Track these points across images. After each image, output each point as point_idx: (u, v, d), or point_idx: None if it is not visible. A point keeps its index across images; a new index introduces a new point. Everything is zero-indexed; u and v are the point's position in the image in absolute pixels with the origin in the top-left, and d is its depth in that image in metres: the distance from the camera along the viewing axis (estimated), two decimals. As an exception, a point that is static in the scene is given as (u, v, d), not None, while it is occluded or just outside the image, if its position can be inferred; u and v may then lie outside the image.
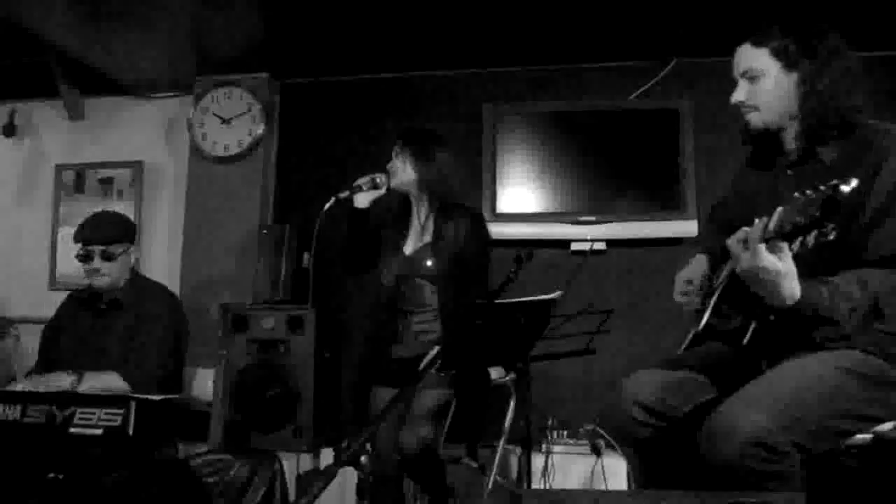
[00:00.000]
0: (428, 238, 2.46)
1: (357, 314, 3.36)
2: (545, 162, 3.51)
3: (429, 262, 2.41)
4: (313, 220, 2.49)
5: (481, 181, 3.52)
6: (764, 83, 1.65)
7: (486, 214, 3.27)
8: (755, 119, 1.71)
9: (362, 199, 2.45)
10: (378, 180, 2.46)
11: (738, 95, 1.70)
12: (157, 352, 2.57)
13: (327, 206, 2.40)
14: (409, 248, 2.49)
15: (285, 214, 3.75)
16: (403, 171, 2.44)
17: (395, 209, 2.54)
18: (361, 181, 2.45)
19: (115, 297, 2.70)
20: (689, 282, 1.80)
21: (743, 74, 1.69)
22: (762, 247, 1.39)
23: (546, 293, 2.06)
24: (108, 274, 2.67)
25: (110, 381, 2.46)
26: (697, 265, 1.84)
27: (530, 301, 2.03)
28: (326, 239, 2.54)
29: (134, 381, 2.50)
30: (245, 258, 3.64)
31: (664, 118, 3.42)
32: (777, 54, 1.63)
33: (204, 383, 2.96)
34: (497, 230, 3.03)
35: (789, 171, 1.68)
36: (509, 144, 3.55)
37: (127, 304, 2.69)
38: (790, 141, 1.70)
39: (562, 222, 3.44)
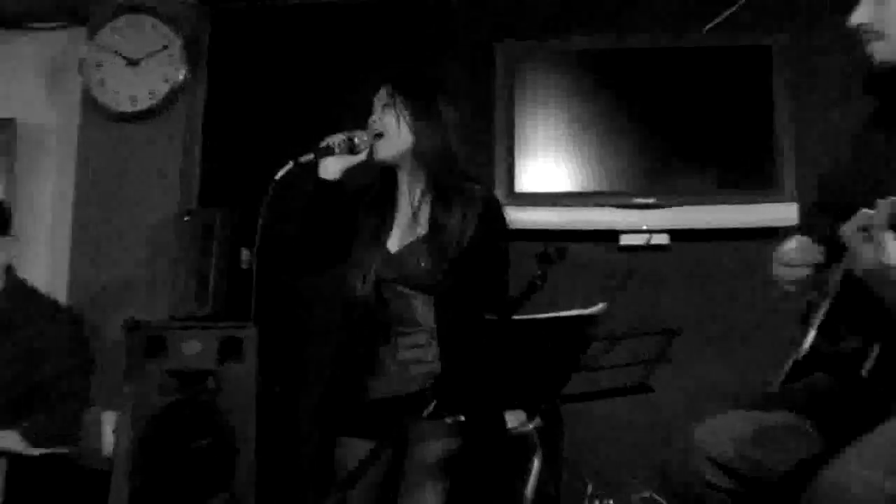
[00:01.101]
0: (422, 230, 2.47)
1: (319, 335, 3.38)
2: (582, 123, 3.59)
3: (422, 264, 2.43)
4: (257, 200, 2.48)
5: (493, 150, 3.58)
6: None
7: (500, 195, 3.32)
8: (881, 51, 1.70)
9: (332, 167, 2.47)
10: (356, 141, 2.47)
11: (860, 16, 1.70)
12: (65, 397, 2.62)
13: (281, 173, 2.38)
14: (394, 244, 2.51)
15: (217, 194, 3.80)
16: (397, 134, 2.47)
17: (375, 187, 2.58)
18: (333, 140, 2.47)
19: (-11, 315, 2.74)
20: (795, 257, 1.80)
21: None
22: (890, 235, 1.41)
23: (584, 306, 2.07)
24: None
25: (6, 443, 2.51)
26: (804, 245, 1.83)
27: (562, 318, 2.05)
28: (277, 226, 2.52)
29: (40, 440, 2.53)
30: (160, 256, 3.67)
31: (750, 60, 3.47)
32: None
33: (103, 431, 3.00)
34: (515, 217, 3.08)
35: None
36: (532, 99, 3.61)
37: (6, 324, 2.70)
38: None
39: (606, 206, 3.51)
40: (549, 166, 3.61)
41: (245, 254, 3.44)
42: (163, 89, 3.80)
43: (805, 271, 1.78)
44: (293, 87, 3.85)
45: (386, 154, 2.48)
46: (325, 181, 2.46)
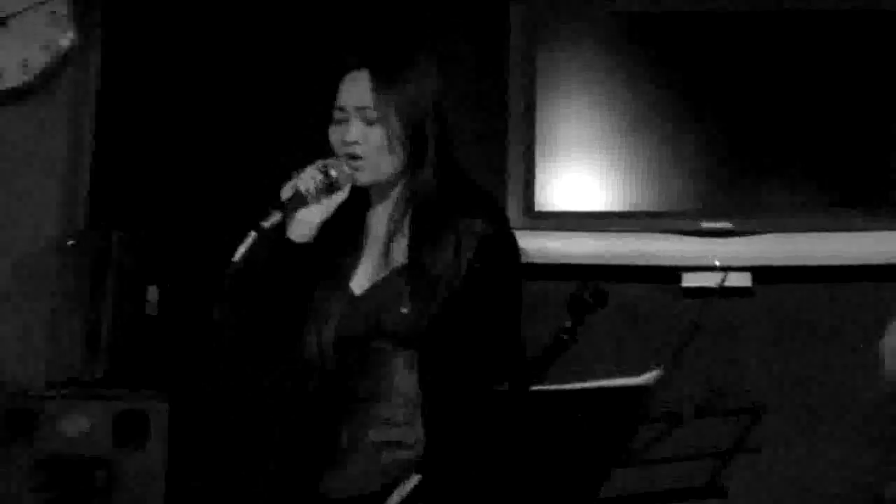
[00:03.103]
0: (398, 261, 2.52)
1: (257, 411, 3.36)
2: (629, 115, 3.65)
3: (401, 307, 2.46)
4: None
5: (504, 151, 3.66)
6: None
7: (515, 215, 3.39)
8: None
9: (308, 222, 2.49)
10: (334, 174, 2.48)
11: None
12: None
13: (241, 251, 2.38)
14: (360, 282, 2.55)
15: (114, 209, 3.79)
16: (384, 150, 2.49)
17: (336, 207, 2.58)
18: (303, 181, 2.46)
19: None
20: None
21: None
22: None
23: (631, 373, 2.06)
24: None
25: None
26: None
27: (600, 389, 2.03)
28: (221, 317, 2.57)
29: None
30: (33, 295, 3.66)
31: (876, 29, 3.51)
32: None
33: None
34: (535, 246, 3.09)
35: None
36: (560, 81, 3.67)
37: None
38: None
39: (663, 232, 3.59)
40: (582, 174, 3.67)
41: (152, 293, 3.42)
42: (41, 59, 3.81)
43: None
44: (223, 57, 3.89)
45: (369, 179, 2.52)
46: (295, 245, 2.50)
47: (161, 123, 3.91)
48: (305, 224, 2.48)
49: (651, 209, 3.63)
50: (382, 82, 2.49)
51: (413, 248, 2.50)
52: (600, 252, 3.57)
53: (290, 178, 2.47)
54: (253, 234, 2.38)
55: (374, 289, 2.51)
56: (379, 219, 2.57)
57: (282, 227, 2.46)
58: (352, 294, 2.52)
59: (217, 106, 3.88)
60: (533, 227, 3.51)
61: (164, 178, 3.60)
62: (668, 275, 3.60)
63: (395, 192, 2.56)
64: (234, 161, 3.66)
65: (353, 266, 2.55)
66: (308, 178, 2.46)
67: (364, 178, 2.51)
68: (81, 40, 3.87)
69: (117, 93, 3.98)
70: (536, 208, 3.64)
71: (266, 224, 2.40)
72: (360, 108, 2.49)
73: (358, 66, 2.52)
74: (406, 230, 2.53)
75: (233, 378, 3.55)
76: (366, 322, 2.48)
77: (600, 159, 3.69)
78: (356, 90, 2.51)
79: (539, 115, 3.68)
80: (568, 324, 2.06)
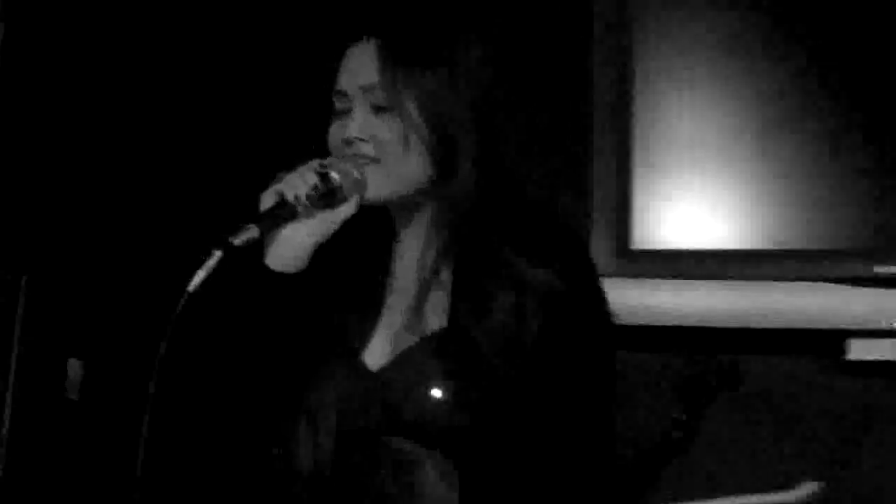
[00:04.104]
0: (433, 323, 2.47)
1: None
2: (767, 111, 3.68)
3: (434, 391, 2.41)
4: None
5: (587, 163, 3.71)
6: None
7: (602, 254, 3.46)
8: None
9: (297, 243, 2.50)
10: (334, 177, 2.52)
11: None
12: None
13: (199, 277, 2.38)
14: (378, 353, 2.51)
15: (17, 242, 3.89)
16: (402, 154, 2.51)
17: (345, 239, 2.57)
18: (292, 186, 2.48)
19: None
20: None
21: None
22: None
23: (776, 485, 2.27)
24: None
25: None
26: None
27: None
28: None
29: None
30: None
31: None
32: None
33: None
34: (631, 299, 3.21)
35: None
36: (665, 62, 3.76)
37: None
38: None
39: (818, 279, 3.60)
40: (699, 197, 3.68)
41: (74, 368, 3.45)
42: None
43: None
44: (164, 31, 4.12)
45: (381, 192, 2.50)
46: (279, 276, 2.51)
47: (79, 118, 4.11)
48: (292, 246, 2.48)
49: (801, 247, 3.60)
50: (396, 55, 2.52)
51: (453, 305, 2.48)
52: (726, 309, 3.55)
53: (272, 182, 2.49)
54: (217, 253, 2.35)
55: (396, 362, 2.47)
56: (406, 257, 2.57)
57: (259, 247, 2.45)
58: (363, 368, 2.48)
59: (151, 94, 4.10)
60: (628, 272, 3.54)
61: (88, 193, 3.74)
62: (827, 342, 3.55)
63: (426, 219, 2.57)
64: (184, 183, 3.80)
65: (365, 326, 2.54)
66: (299, 182, 2.46)
67: (376, 188, 2.49)
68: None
69: (18, 81, 4.14)
70: (633, 246, 3.62)
71: (236, 241, 2.37)
72: (365, 89, 2.50)
73: (364, 36, 2.54)
74: (446, 279, 2.52)
75: (192, 482, 3.61)
76: (382, 410, 2.45)
77: (725, 175, 3.67)
78: (360, 66, 2.53)
79: (636, 113, 3.69)
80: (682, 415, 2.25)
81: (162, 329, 2.33)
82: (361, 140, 2.47)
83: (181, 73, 4.10)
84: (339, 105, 2.53)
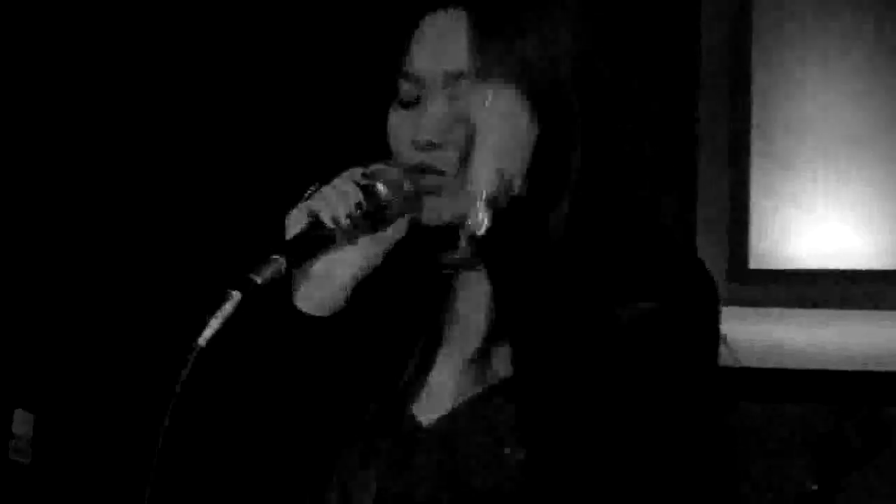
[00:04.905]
0: (502, 370, 2.15)
1: None
2: None
3: (507, 451, 2.08)
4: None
5: (693, 160, 3.64)
6: None
7: (714, 276, 3.25)
8: None
9: (331, 279, 2.31)
10: (381, 190, 2.25)
11: None
12: None
13: (213, 328, 2.09)
14: (433, 404, 2.27)
15: None
16: (481, 167, 2.17)
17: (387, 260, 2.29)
18: (328, 206, 2.26)
19: None
20: None
21: None
22: None
23: None
24: None
25: None
26: None
27: None
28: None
29: None
30: None
31: None
32: None
33: None
34: (750, 333, 3.17)
35: None
36: (788, 36, 3.64)
37: None
38: None
39: None
40: (834, 204, 3.51)
41: (22, 423, 3.43)
42: None
43: None
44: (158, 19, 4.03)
45: (444, 213, 2.24)
46: (313, 321, 2.25)
47: (59, 116, 3.99)
48: (329, 281, 2.28)
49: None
50: (493, 31, 2.20)
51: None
52: (873, 346, 3.35)
53: (302, 199, 2.22)
54: (235, 295, 2.05)
55: (456, 416, 2.23)
56: (473, 290, 2.25)
57: (286, 284, 2.18)
58: (416, 424, 2.23)
59: (148, 87, 4.04)
60: (746, 299, 3.38)
61: (62, 204, 3.67)
62: None
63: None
64: (174, 202, 3.79)
65: (416, 374, 2.28)
66: (336, 198, 2.25)
67: (451, 206, 2.19)
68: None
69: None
70: (753, 264, 3.48)
71: (259, 278, 2.09)
72: (450, 76, 2.23)
73: (445, 5, 2.25)
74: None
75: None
76: (439, 475, 2.17)
77: (868, 173, 3.47)
78: (444, 45, 2.28)
79: (754, 94, 3.55)
80: (814, 485, 2.17)
81: (163, 388, 1.93)
82: (436, 146, 2.14)
83: (175, 50, 4.00)
84: (406, 91, 2.24)
